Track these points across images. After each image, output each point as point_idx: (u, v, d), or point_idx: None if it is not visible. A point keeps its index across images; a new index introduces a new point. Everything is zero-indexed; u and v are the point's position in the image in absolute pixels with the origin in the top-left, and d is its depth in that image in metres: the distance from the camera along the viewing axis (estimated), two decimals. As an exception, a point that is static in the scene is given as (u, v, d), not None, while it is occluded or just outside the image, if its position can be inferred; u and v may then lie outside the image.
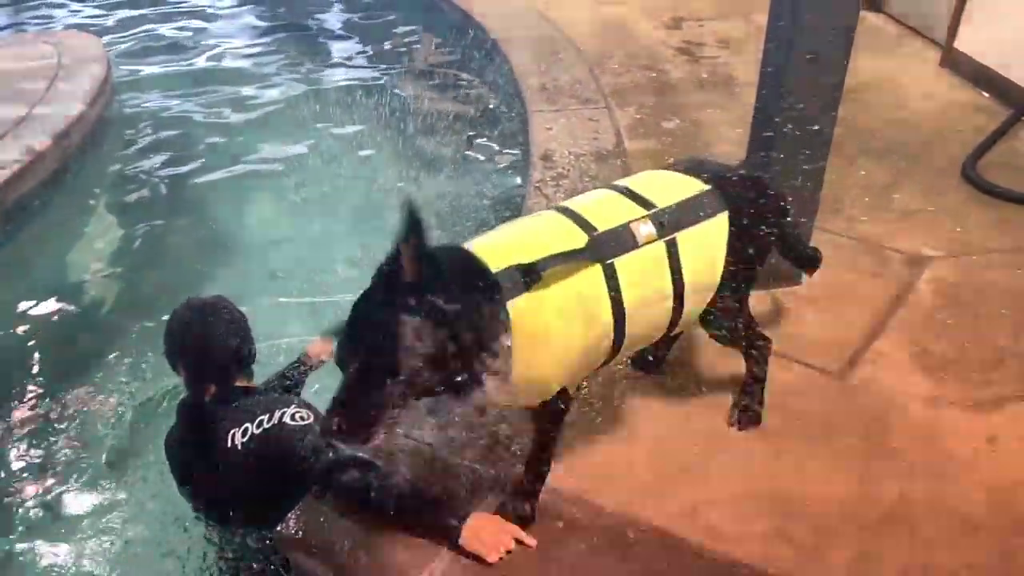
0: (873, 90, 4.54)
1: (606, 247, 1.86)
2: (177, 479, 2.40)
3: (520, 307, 1.71)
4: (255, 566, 2.30)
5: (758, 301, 2.82)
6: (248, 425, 2.20)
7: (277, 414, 2.21)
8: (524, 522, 2.01)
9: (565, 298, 1.79)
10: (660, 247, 1.93)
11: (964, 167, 3.73)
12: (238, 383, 2.36)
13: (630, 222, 1.92)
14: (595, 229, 1.88)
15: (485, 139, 5.08)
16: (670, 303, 1.98)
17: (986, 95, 4.52)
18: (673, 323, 2.04)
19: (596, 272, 1.84)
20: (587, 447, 2.27)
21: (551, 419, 1.97)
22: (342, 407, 1.60)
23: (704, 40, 5.54)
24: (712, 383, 2.51)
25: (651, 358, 2.52)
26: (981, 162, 3.76)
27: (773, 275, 2.87)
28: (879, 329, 2.76)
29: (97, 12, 7.66)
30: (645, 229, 1.92)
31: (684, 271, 1.96)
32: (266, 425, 2.20)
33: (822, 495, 2.14)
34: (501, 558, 1.92)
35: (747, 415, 2.35)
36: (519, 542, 1.96)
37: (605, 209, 1.96)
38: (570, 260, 1.79)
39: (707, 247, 2.02)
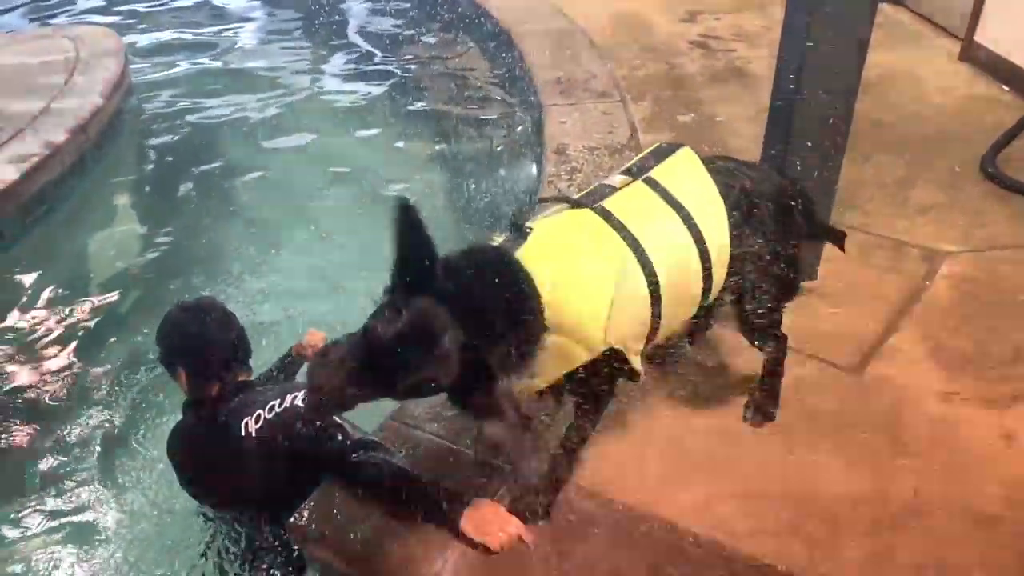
0: (891, 84, 4.49)
1: (587, 199, 1.96)
2: (188, 479, 2.41)
3: (526, 254, 1.77)
4: (267, 561, 2.32)
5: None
6: (260, 412, 2.23)
7: (288, 398, 2.25)
8: (538, 518, 2.02)
9: (564, 233, 1.88)
10: (641, 185, 2.00)
11: (983, 162, 3.69)
12: (239, 378, 2.38)
13: (602, 181, 2.03)
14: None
15: (496, 132, 5.09)
16: (685, 231, 1.96)
17: (1006, 89, 4.47)
18: (705, 261, 1.98)
19: (589, 214, 1.90)
20: (601, 442, 2.26)
21: (593, 405, 1.98)
22: (313, 377, 1.64)
23: (720, 34, 5.50)
24: (725, 380, 2.50)
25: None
26: (1000, 157, 3.72)
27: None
28: (895, 325, 2.74)
29: (114, 7, 7.71)
30: (619, 178, 2.03)
31: (681, 199, 1.98)
32: (277, 409, 2.23)
33: (835, 491, 2.13)
34: (502, 547, 1.93)
35: (761, 411, 2.34)
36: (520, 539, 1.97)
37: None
38: (548, 201, 1.91)
39: (686, 173, 2.06)
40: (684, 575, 1.93)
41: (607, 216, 1.89)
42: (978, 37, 4.74)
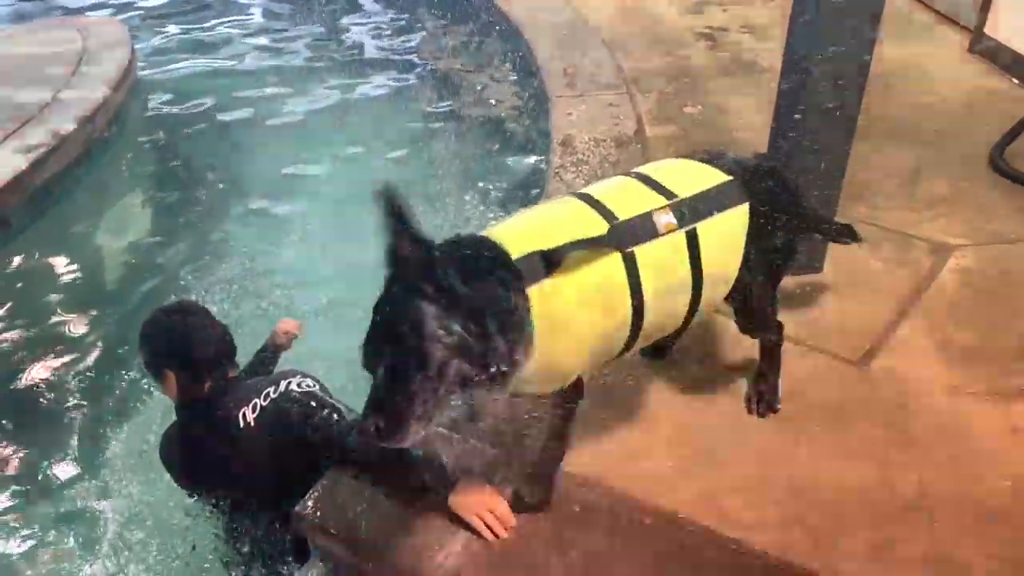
0: (899, 76, 4.47)
1: (627, 235, 1.83)
2: (188, 479, 2.42)
3: (541, 293, 1.70)
4: (270, 551, 2.34)
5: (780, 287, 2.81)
6: (256, 400, 2.24)
7: (283, 384, 2.27)
8: (538, 508, 2.03)
9: (585, 286, 1.78)
10: (680, 237, 1.90)
11: (991, 155, 3.67)
12: (228, 374, 2.39)
13: (652, 211, 1.89)
14: (615, 217, 1.86)
15: (501, 121, 5.09)
16: (688, 295, 1.96)
17: (1016, 82, 4.44)
18: (689, 315, 2.02)
19: (616, 261, 1.81)
20: (604, 432, 2.27)
21: (565, 406, 1.97)
22: (380, 408, 1.56)
23: (727, 25, 5.48)
24: (729, 370, 2.49)
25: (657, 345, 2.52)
26: (1009, 150, 3.69)
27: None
28: (901, 317, 2.73)
29: (121, -1, 7.72)
30: (666, 219, 1.89)
31: (703, 262, 1.93)
32: (273, 396, 2.25)
33: (839, 483, 2.13)
34: (491, 529, 1.96)
35: (764, 401, 2.34)
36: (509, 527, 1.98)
37: (625, 197, 1.94)
38: (591, 247, 1.77)
39: (727, 237, 1.99)
40: (686, 566, 1.93)
41: (631, 269, 1.82)
42: (988, 29, 4.71)
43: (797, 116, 2.65)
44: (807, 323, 2.67)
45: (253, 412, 2.23)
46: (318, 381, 2.34)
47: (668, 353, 2.53)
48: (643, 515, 2.03)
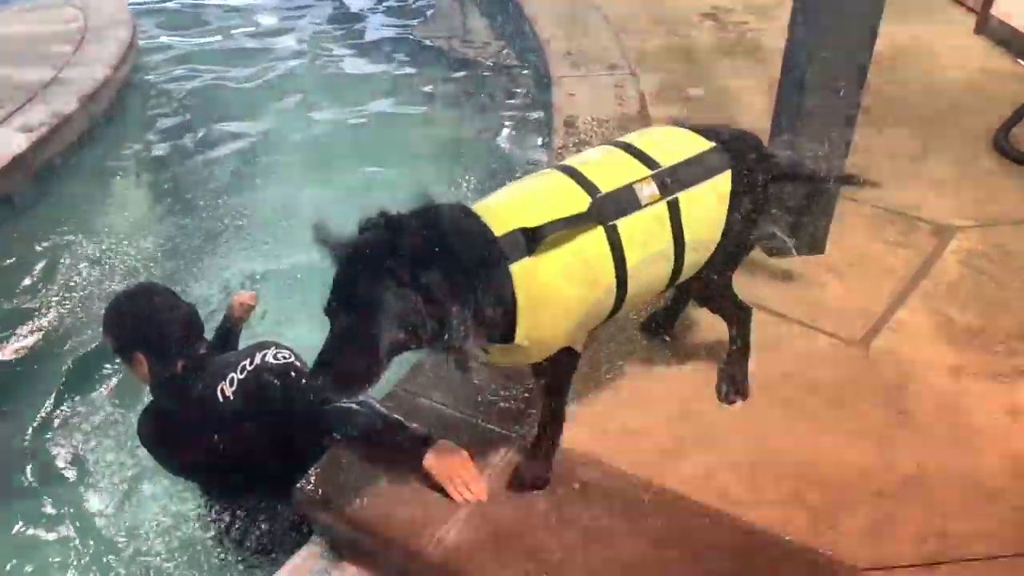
0: (905, 57, 4.44)
1: (608, 209, 1.85)
2: (177, 462, 2.40)
3: (523, 269, 1.73)
4: (267, 529, 2.35)
5: (782, 268, 2.81)
6: (233, 374, 2.26)
7: (259, 356, 2.29)
8: (538, 485, 2.05)
9: (568, 261, 1.80)
10: (662, 207, 1.91)
11: (996, 137, 3.66)
12: (200, 352, 2.38)
13: (633, 183, 1.90)
14: (598, 190, 1.86)
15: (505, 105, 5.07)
16: (671, 263, 1.97)
17: (1021, 63, 4.41)
18: (671, 280, 2.03)
19: (599, 235, 1.83)
20: (604, 410, 2.28)
21: (557, 377, 1.99)
22: (326, 365, 1.62)
23: (732, 6, 5.44)
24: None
25: (658, 323, 2.54)
26: (1014, 132, 3.68)
27: (797, 242, 2.85)
28: (903, 298, 2.73)
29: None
30: (648, 190, 1.90)
31: (685, 230, 1.94)
32: (249, 368, 2.27)
33: (839, 462, 2.14)
34: (458, 490, 2.01)
35: (733, 386, 2.33)
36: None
37: (608, 168, 1.94)
38: (573, 225, 1.79)
39: (709, 206, 2.00)
40: (686, 544, 1.95)
41: (614, 241, 1.84)
42: (994, 10, 4.68)
43: (800, 98, 2.63)
44: (809, 303, 2.68)
45: (231, 386, 2.24)
46: (293, 351, 2.35)
47: (669, 330, 2.54)
48: (643, 493, 2.05)
